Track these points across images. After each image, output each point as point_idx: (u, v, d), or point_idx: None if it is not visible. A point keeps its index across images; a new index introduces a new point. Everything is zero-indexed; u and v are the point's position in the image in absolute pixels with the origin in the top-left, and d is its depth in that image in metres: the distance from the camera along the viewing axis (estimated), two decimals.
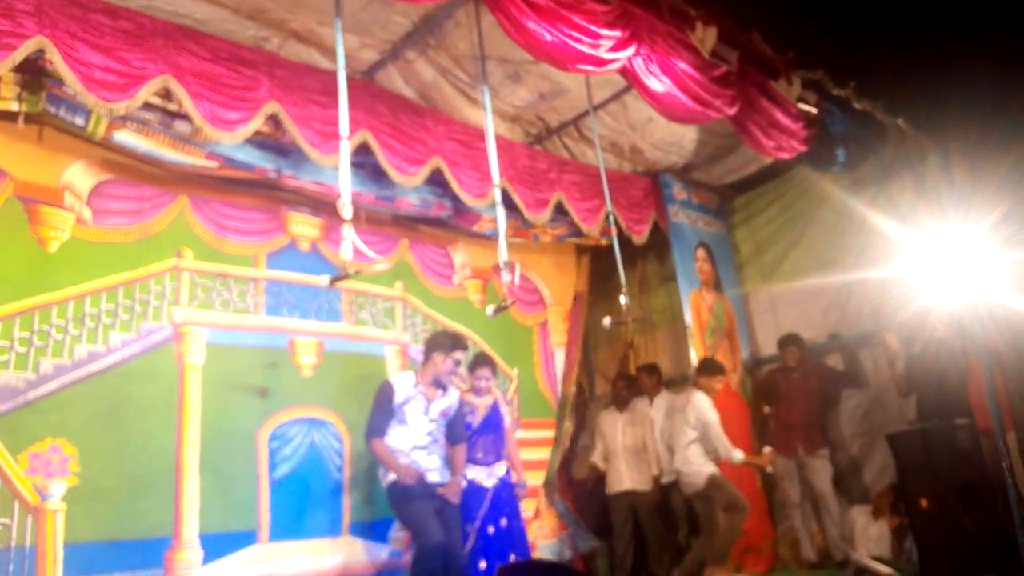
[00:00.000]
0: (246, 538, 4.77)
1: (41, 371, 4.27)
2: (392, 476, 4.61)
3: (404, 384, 4.78)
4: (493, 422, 5.34)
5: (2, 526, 3.95)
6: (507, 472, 5.32)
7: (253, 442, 4.97)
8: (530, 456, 6.55)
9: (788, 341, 6.60)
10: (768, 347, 7.24)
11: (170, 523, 4.51)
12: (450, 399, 4.92)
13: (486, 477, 5.16)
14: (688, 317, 6.82)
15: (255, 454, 4.96)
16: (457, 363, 4.90)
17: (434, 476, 4.70)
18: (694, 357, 6.66)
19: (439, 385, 4.86)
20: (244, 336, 5.14)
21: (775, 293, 7.29)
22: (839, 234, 6.73)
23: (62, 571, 4.05)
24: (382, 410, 4.71)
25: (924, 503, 5.07)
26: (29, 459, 4.10)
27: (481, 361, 5.45)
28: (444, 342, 4.87)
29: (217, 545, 4.63)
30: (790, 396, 6.47)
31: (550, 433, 6.81)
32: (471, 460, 5.14)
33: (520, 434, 6.57)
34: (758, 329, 7.39)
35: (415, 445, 4.69)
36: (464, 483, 4.96)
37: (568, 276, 7.41)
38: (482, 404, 5.32)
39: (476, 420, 5.25)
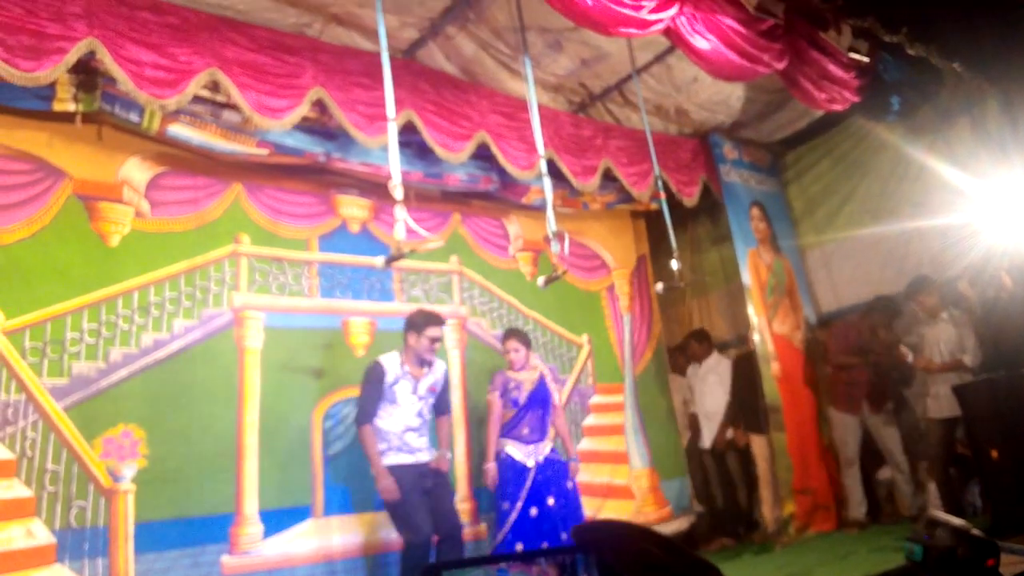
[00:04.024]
0: (302, 513, 4.90)
1: (111, 360, 4.42)
2: (386, 461, 4.56)
3: (393, 364, 4.71)
4: (540, 398, 5.21)
5: (79, 508, 4.14)
6: (552, 450, 5.19)
7: (308, 421, 5.08)
8: (607, 421, 6.58)
9: (882, 307, 6.25)
10: (827, 303, 7.15)
11: (232, 500, 4.66)
12: (436, 374, 4.85)
13: (528, 456, 5.05)
14: (746, 277, 6.74)
15: (310, 433, 5.07)
16: (433, 340, 4.76)
17: (422, 456, 4.66)
18: (753, 317, 6.60)
19: (423, 363, 4.78)
20: (300, 319, 5.23)
21: (830, 248, 7.16)
22: (895, 184, 6.58)
23: (133, 548, 4.24)
24: (373, 392, 4.65)
25: (994, 454, 4.98)
26: (103, 444, 4.27)
27: (509, 334, 5.36)
28: (417, 321, 4.76)
29: (276, 520, 4.77)
30: (859, 353, 6.33)
31: (621, 398, 6.77)
32: (515, 437, 5.08)
33: (596, 399, 6.60)
34: (816, 285, 7.28)
35: (407, 427, 4.64)
36: (450, 457, 4.92)
37: (626, 239, 7.33)
38: (527, 379, 5.21)
39: (522, 396, 5.15)
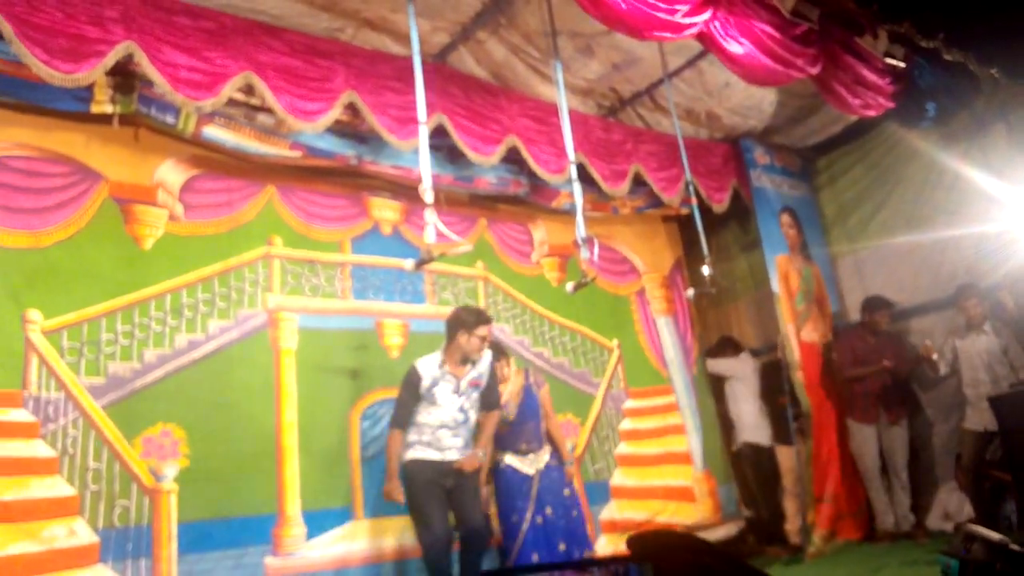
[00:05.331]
0: (343, 515, 4.90)
1: (145, 360, 4.46)
2: (411, 454, 4.47)
3: (430, 368, 4.55)
4: (530, 408, 5.08)
5: (122, 508, 4.16)
6: (552, 455, 5.09)
7: (346, 422, 5.10)
8: (642, 425, 6.55)
9: (878, 304, 6.37)
10: (856, 311, 7.06)
11: (274, 501, 4.67)
12: (479, 368, 4.65)
13: (529, 464, 4.96)
14: (775, 283, 6.66)
15: (348, 434, 5.09)
16: (483, 339, 4.56)
17: (450, 455, 4.49)
18: (782, 324, 6.53)
19: (467, 362, 4.60)
20: (334, 320, 5.26)
21: (862, 255, 7.07)
22: (929, 191, 6.48)
23: (176, 548, 4.25)
24: (407, 397, 4.54)
25: None
26: (143, 443, 4.31)
27: None
28: (467, 319, 4.55)
29: (318, 521, 4.78)
30: (868, 362, 6.25)
31: (662, 400, 6.75)
32: (514, 451, 4.98)
33: (630, 403, 6.58)
34: (846, 293, 7.19)
35: (443, 423, 4.49)
36: (482, 456, 4.68)
37: (657, 243, 7.30)
38: (512, 392, 5.05)
39: (511, 412, 5.00)
